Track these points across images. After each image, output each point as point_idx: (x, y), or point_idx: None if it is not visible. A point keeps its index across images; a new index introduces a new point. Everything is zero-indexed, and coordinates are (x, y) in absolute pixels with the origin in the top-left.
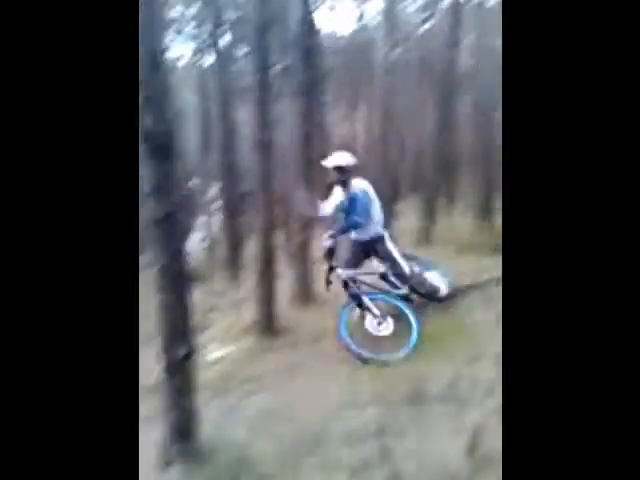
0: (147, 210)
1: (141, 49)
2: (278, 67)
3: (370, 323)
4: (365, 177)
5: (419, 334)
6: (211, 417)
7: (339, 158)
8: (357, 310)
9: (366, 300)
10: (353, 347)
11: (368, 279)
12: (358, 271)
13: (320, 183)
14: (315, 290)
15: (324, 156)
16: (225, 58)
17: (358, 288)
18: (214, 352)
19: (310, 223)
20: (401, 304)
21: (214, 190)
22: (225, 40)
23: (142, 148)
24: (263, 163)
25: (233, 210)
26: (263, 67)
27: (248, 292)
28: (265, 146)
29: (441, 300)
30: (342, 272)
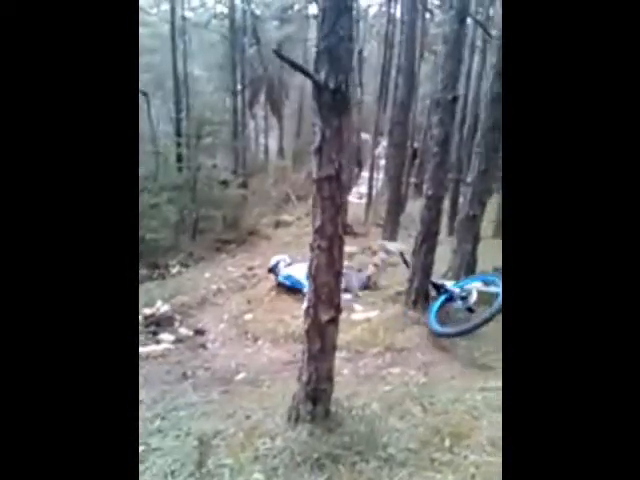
0: (313, 167)
1: None
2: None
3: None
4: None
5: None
6: (345, 382)
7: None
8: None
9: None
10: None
11: None
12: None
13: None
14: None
15: None
16: (414, 8)
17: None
18: (359, 313)
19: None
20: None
21: (381, 147)
22: None
23: (316, 102)
24: (443, 122)
25: (398, 169)
26: (456, 19)
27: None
28: (448, 104)
29: None
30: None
